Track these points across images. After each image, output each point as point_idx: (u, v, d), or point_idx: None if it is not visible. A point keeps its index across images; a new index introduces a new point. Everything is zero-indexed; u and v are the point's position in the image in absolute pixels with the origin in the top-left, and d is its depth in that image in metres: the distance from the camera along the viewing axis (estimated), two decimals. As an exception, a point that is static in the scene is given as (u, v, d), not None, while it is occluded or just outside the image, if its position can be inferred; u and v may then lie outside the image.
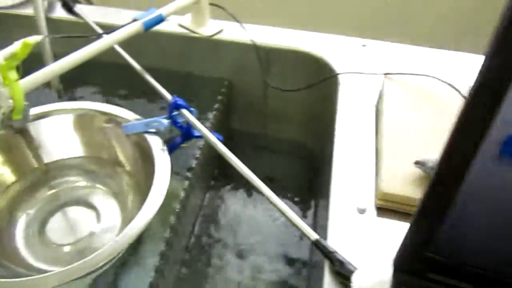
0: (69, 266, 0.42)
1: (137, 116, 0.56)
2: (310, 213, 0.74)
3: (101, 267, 0.43)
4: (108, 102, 0.59)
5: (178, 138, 0.56)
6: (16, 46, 0.46)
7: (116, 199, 0.57)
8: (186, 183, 0.58)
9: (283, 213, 0.44)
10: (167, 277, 0.55)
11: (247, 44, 0.68)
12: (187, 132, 0.56)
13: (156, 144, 0.53)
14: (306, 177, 0.79)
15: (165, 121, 0.52)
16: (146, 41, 0.69)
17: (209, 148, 0.64)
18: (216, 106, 0.68)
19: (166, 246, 0.52)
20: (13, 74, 0.48)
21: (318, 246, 0.42)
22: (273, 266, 0.68)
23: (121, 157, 0.58)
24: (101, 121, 0.56)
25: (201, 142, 0.62)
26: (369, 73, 0.62)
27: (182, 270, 0.64)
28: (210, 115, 0.67)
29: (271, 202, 0.46)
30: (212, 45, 0.70)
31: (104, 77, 0.74)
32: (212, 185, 0.76)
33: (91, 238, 0.54)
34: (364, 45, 0.68)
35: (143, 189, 0.55)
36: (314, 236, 0.42)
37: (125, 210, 0.56)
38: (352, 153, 0.52)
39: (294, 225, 0.44)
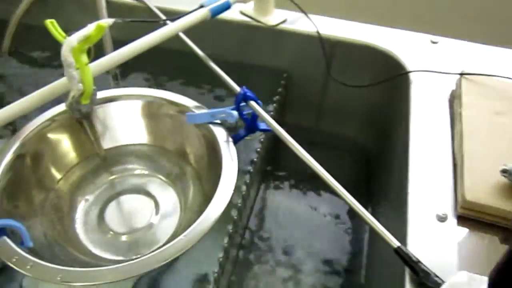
0: (142, 258, 0.41)
1: (203, 107, 0.54)
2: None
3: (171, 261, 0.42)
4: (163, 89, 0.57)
5: (242, 130, 0.54)
6: (89, 29, 0.45)
7: (176, 191, 0.56)
8: (247, 177, 0.56)
9: (361, 217, 0.42)
10: (226, 272, 0.54)
11: (311, 36, 0.66)
12: (252, 125, 0.54)
13: (222, 136, 0.52)
14: (359, 177, 0.77)
15: (235, 113, 0.50)
16: (205, 28, 0.67)
17: (268, 142, 0.63)
18: (276, 98, 0.66)
19: (229, 240, 0.51)
20: (84, 58, 0.46)
21: (400, 255, 0.40)
22: (320, 263, 0.66)
23: (185, 148, 0.56)
24: (168, 110, 0.55)
25: (262, 135, 0.61)
26: (443, 72, 0.59)
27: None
28: (270, 108, 0.65)
29: (348, 203, 0.44)
30: (275, 35, 0.67)
31: (158, 63, 0.73)
32: (264, 179, 0.74)
33: (149, 229, 0.53)
34: (434, 42, 0.65)
35: (206, 181, 0.53)
36: (395, 243, 0.40)
37: (185, 202, 0.54)
38: (428, 157, 0.49)
39: (374, 229, 0.41)
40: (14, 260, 0.41)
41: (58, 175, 0.54)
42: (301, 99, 0.74)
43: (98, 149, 0.56)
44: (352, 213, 0.72)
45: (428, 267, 0.39)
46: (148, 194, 0.56)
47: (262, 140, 0.60)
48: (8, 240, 0.42)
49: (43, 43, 0.78)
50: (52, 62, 0.78)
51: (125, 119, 0.56)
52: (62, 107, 0.52)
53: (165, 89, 0.57)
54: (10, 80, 0.75)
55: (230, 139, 0.51)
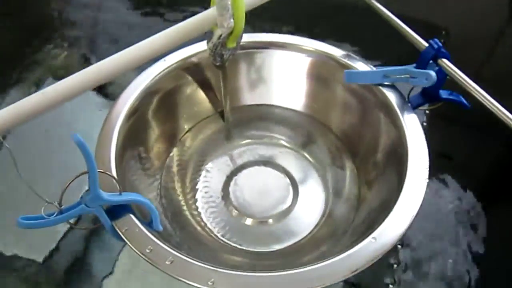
0: (319, 264, 0.30)
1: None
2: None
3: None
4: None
5: (418, 97, 0.41)
6: None
7: (321, 177, 0.44)
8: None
9: None
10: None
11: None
12: (433, 93, 0.41)
13: (400, 104, 0.39)
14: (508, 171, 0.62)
15: (433, 73, 0.37)
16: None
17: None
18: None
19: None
20: (236, -16, 0.34)
21: None
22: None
23: (355, 132, 0.43)
24: (336, 72, 0.42)
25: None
26: None
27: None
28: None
29: None
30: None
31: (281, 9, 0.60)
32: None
33: (284, 214, 0.42)
34: None
35: (370, 163, 0.41)
36: None
37: (334, 188, 0.42)
38: None
39: None
40: (148, 251, 0.30)
41: (186, 126, 0.44)
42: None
43: (225, 108, 0.44)
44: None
45: None
46: (284, 170, 0.44)
47: (426, 112, 0.47)
48: (136, 221, 0.32)
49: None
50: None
51: (284, 74, 0.44)
52: (202, 45, 0.41)
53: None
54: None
55: (410, 108, 0.39)
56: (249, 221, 0.42)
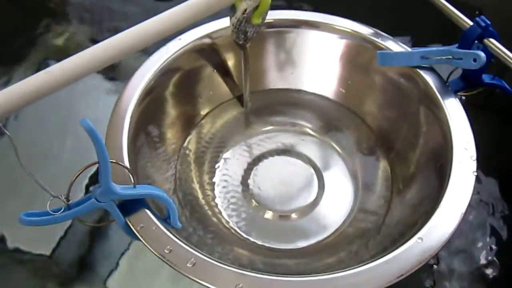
0: (360, 267, 0.26)
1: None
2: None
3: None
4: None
5: (458, 81, 0.37)
6: None
7: (349, 169, 0.40)
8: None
9: None
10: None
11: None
12: (475, 77, 0.37)
13: (441, 89, 0.35)
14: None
15: (482, 54, 0.33)
16: None
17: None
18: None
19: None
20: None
21: None
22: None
23: (391, 128, 0.40)
24: (373, 57, 0.38)
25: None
26: None
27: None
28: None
29: None
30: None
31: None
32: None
33: (308, 208, 0.38)
34: None
35: (406, 159, 0.37)
36: None
37: (366, 186, 0.39)
38: None
39: None
40: (167, 251, 0.27)
41: (202, 111, 0.41)
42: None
43: (244, 92, 0.41)
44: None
45: None
46: (308, 160, 0.41)
47: (463, 97, 0.43)
48: (153, 217, 0.29)
49: None
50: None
51: (315, 57, 0.41)
52: (222, 23, 0.37)
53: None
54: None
55: (452, 94, 0.35)
56: (271, 216, 0.38)
